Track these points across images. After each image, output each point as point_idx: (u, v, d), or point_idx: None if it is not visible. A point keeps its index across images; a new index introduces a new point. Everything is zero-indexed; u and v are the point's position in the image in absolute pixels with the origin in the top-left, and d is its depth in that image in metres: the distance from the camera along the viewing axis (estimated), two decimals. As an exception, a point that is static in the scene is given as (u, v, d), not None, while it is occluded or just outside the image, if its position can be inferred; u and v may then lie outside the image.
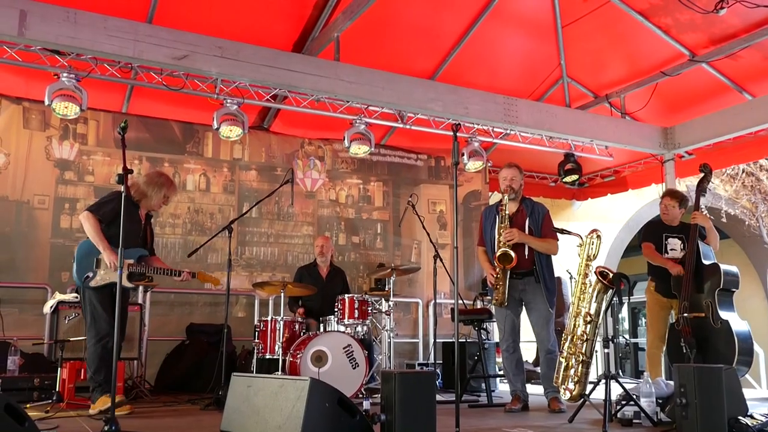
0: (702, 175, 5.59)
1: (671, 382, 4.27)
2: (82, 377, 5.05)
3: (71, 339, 5.43)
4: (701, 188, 5.61)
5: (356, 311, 5.86)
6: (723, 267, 5.23)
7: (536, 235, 5.05)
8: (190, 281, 4.94)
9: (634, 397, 4.16)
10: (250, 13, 6.06)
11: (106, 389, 4.46)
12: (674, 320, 5.50)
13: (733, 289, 5.26)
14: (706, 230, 5.53)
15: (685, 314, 5.17)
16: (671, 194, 5.90)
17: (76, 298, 5.43)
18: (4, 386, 5.14)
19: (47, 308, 5.86)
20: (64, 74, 5.38)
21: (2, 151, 6.63)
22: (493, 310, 5.38)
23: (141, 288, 6.48)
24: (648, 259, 5.69)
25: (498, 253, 4.91)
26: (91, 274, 4.55)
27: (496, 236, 5.05)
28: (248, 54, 5.68)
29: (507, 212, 5.03)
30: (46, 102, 5.38)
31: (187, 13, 5.88)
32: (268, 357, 5.69)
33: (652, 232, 5.81)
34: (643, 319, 12.48)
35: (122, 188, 3.80)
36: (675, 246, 5.69)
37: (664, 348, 5.68)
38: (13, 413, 2.63)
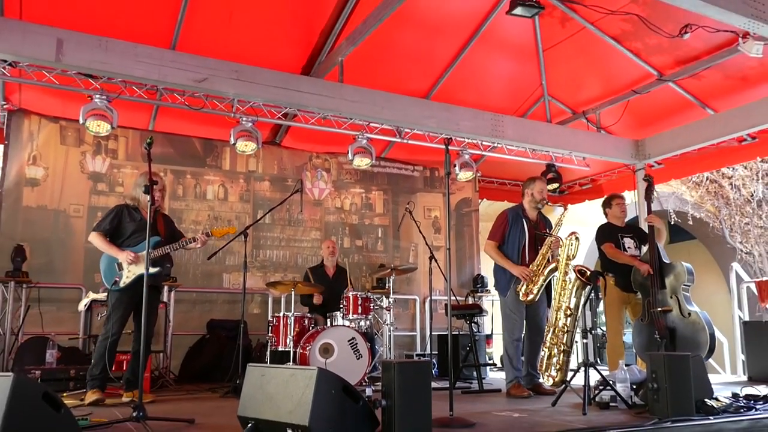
0: (647, 184, 5.65)
1: (644, 369, 4.26)
2: (113, 368, 5.04)
3: (103, 334, 5.42)
4: (648, 196, 5.61)
5: (360, 307, 5.85)
6: (685, 264, 5.22)
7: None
8: (208, 241, 4.84)
9: (611, 382, 4.15)
10: (264, 40, 6.07)
11: (94, 385, 4.41)
12: (638, 315, 5.44)
13: (691, 284, 5.24)
14: (657, 230, 5.46)
15: (659, 308, 5.14)
16: (620, 195, 5.95)
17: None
18: (44, 377, 5.13)
19: (82, 306, 5.85)
20: (97, 96, 5.39)
21: (41, 165, 6.64)
22: (508, 303, 5.07)
23: (166, 287, 6.47)
24: (614, 258, 5.55)
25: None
26: (118, 278, 4.53)
27: (527, 241, 5.09)
28: (262, 77, 5.68)
29: (561, 223, 5.09)
30: (81, 121, 5.38)
31: (207, 40, 5.89)
32: (280, 349, 5.67)
33: (609, 234, 5.71)
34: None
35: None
36: (630, 245, 5.67)
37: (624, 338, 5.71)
38: (50, 401, 2.62)
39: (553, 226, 5.13)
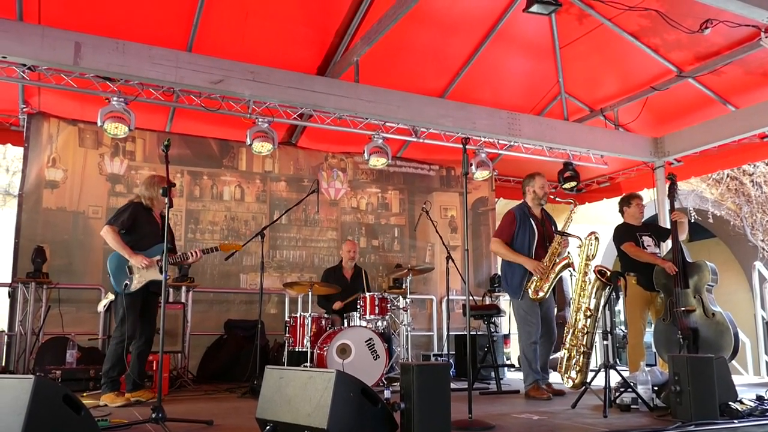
0: (670, 182, 5.55)
1: (666, 371, 4.19)
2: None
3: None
4: (672, 194, 5.50)
5: (377, 308, 5.83)
6: (709, 264, 5.12)
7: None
8: (215, 253, 5.02)
9: (632, 384, 4.09)
10: (279, 41, 6.08)
11: (115, 387, 4.44)
12: (661, 315, 5.35)
13: (715, 284, 5.14)
14: (679, 224, 5.38)
15: (683, 308, 5.05)
16: (638, 195, 5.83)
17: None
18: (64, 377, 5.18)
19: (101, 307, 5.90)
20: (114, 98, 5.42)
21: (61, 167, 6.70)
22: (522, 305, 4.93)
23: (183, 288, 6.51)
24: (636, 257, 5.43)
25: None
26: (128, 282, 4.48)
27: (537, 240, 4.97)
28: (277, 78, 5.69)
29: (571, 220, 4.99)
30: (99, 123, 5.42)
31: (222, 42, 5.91)
32: (297, 350, 5.67)
33: (628, 233, 5.58)
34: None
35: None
36: (650, 243, 5.56)
37: (645, 339, 5.59)
38: (70, 403, 2.63)
39: (563, 224, 5.02)
